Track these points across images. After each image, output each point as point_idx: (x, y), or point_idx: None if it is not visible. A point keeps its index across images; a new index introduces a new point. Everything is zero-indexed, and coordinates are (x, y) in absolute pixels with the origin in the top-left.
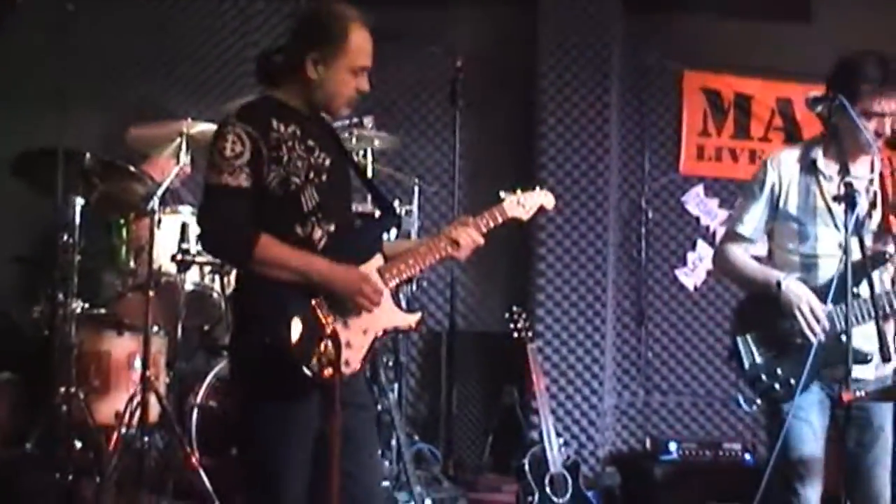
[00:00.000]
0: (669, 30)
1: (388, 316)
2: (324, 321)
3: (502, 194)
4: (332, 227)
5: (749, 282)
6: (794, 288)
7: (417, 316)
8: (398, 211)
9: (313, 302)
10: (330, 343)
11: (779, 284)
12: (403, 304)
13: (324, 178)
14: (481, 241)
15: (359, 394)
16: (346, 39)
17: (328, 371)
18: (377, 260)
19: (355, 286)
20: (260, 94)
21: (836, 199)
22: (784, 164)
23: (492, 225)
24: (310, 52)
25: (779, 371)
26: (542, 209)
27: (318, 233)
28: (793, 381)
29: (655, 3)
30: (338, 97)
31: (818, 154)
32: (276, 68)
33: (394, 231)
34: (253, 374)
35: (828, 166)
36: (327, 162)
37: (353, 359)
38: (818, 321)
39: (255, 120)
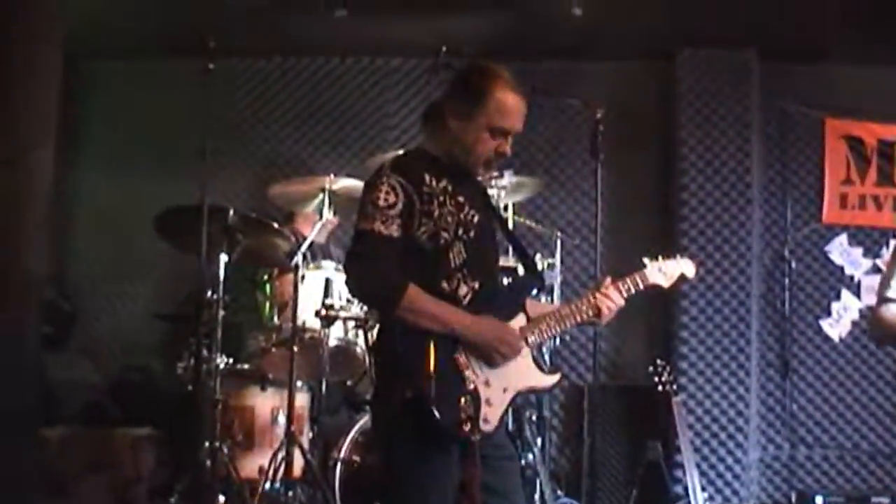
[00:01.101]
0: (809, 77)
1: (528, 375)
2: (466, 377)
3: (645, 260)
4: (477, 285)
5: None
6: None
7: (557, 377)
8: (541, 268)
9: (456, 356)
10: (470, 399)
11: None
12: (546, 357)
13: (472, 234)
14: (622, 304)
15: (500, 446)
16: (486, 96)
17: (466, 427)
18: (520, 319)
19: (497, 334)
20: (413, 148)
21: None
22: None
23: (633, 291)
24: (451, 104)
25: None
26: (683, 277)
27: (463, 289)
28: None
29: (793, 51)
30: (473, 153)
31: None
32: (431, 119)
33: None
34: (393, 427)
35: None
36: (476, 219)
37: (491, 416)
38: None
39: (408, 172)
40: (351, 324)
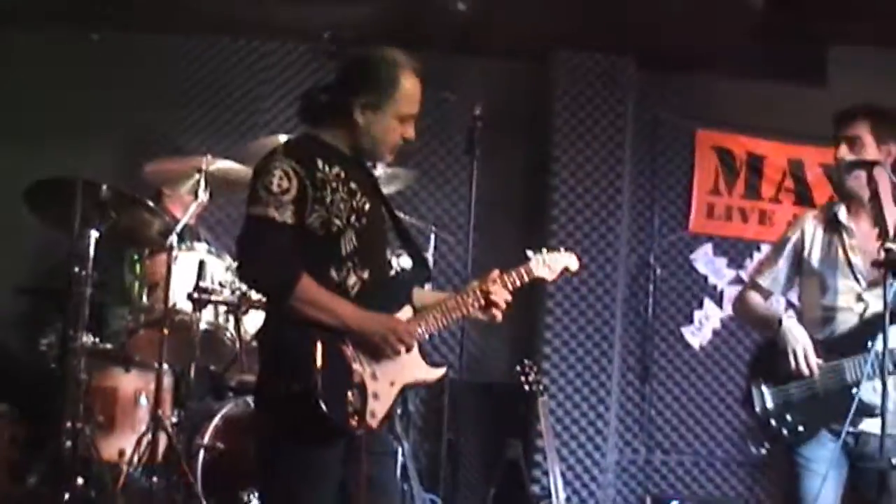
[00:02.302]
0: (684, 88)
1: (415, 369)
2: (353, 370)
3: (529, 253)
4: (366, 275)
5: (758, 321)
6: (793, 329)
7: (443, 370)
8: (428, 262)
9: (343, 348)
10: (357, 393)
11: (780, 322)
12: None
13: (363, 222)
14: (510, 297)
15: (382, 441)
16: (396, 87)
17: (353, 421)
18: (406, 311)
19: (389, 328)
20: (304, 134)
21: (874, 264)
22: (808, 222)
23: (518, 284)
24: (359, 97)
25: (788, 417)
26: (566, 271)
27: (352, 279)
28: (801, 428)
29: (671, 61)
30: (383, 144)
31: (841, 210)
32: (321, 109)
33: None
34: (278, 418)
35: (850, 221)
36: (367, 207)
37: (378, 410)
38: (809, 367)
39: (302, 157)
40: (222, 309)
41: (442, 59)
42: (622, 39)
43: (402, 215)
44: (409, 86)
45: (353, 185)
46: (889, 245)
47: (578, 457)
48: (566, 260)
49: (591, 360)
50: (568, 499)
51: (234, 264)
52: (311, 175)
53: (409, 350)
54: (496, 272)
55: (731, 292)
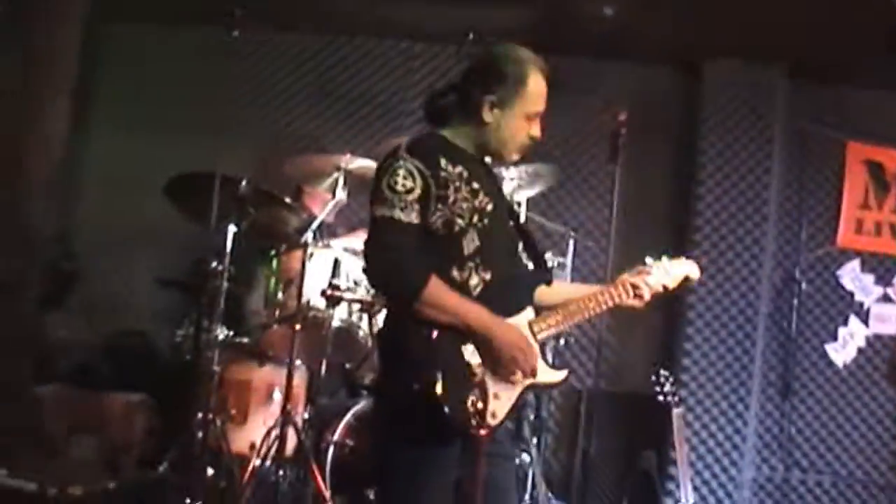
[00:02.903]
0: (835, 99)
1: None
2: (473, 369)
3: (648, 261)
4: (489, 276)
5: None
6: None
7: (564, 373)
8: (551, 264)
9: (463, 348)
10: (478, 393)
11: None
12: (549, 358)
13: (486, 222)
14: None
15: (502, 443)
16: (524, 84)
17: (474, 422)
18: (528, 312)
19: (515, 346)
20: (427, 132)
21: None
22: None
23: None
24: (487, 95)
25: None
26: (687, 279)
27: (474, 279)
28: None
29: (822, 71)
30: (511, 142)
31: None
32: (447, 108)
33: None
34: (398, 418)
35: None
36: (489, 207)
37: (499, 411)
38: None
39: (425, 156)
40: (356, 307)
41: (587, 63)
42: (773, 48)
43: (541, 219)
44: (537, 83)
45: (475, 185)
46: None
47: (714, 472)
48: (687, 268)
49: (731, 374)
50: None
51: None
52: (435, 173)
53: (533, 375)
54: (625, 275)
55: (877, 310)
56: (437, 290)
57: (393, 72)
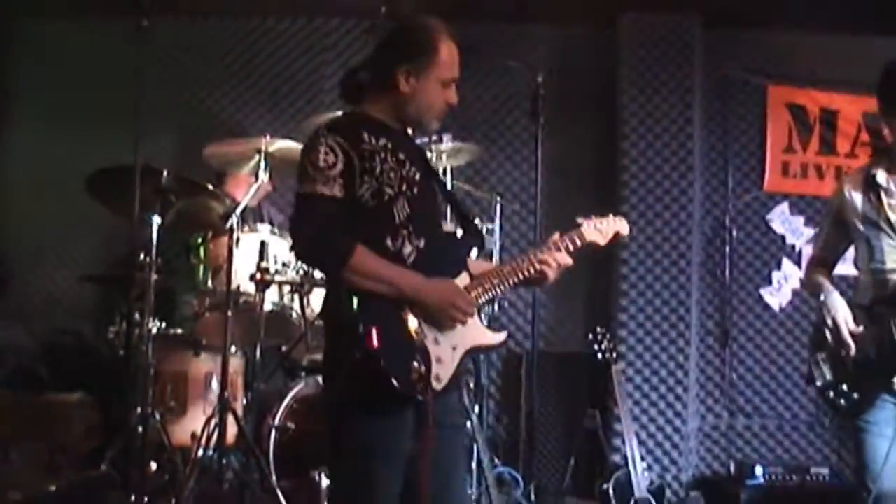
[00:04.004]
0: (752, 44)
1: (476, 333)
2: (415, 335)
3: (579, 219)
4: (422, 243)
5: (814, 295)
6: (830, 301)
7: (504, 335)
8: (481, 230)
9: (402, 314)
10: (420, 358)
11: (820, 297)
12: (484, 323)
13: (415, 191)
14: (570, 261)
15: (453, 414)
16: (436, 51)
17: (419, 387)
18: (463, 278)
19: (449, 298)
20: (347, 111)
21: None
22: (848, 183)
23: (571, 249)
24: (401, 65)
25: (843, 387)
26: (618, 235)
27: (407, 248)
28: (856, 396)
29: (737, 16)
30: (429, 110)
31: (878, 169)
32: (363, 84)
33: (475, 250)
34: (346, 390)
35: (888, 181)
36: (417, 176)
37: (443, 374)
38: (846, 334)
39: (346, 132)
40: (286, 288)
41: (504, 28)
42: None
43: (466, 186)
44: (448, 50)
45: (401, 156)
46: None
47: (659, 424)
48: (617, 224)
49: (669, 326)
50: (650, 467)
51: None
52: (357, 147)
53: (469, 318)
54: (556, 235)
55: (809, 251)
56: (363, 258)
57: (308, 51)
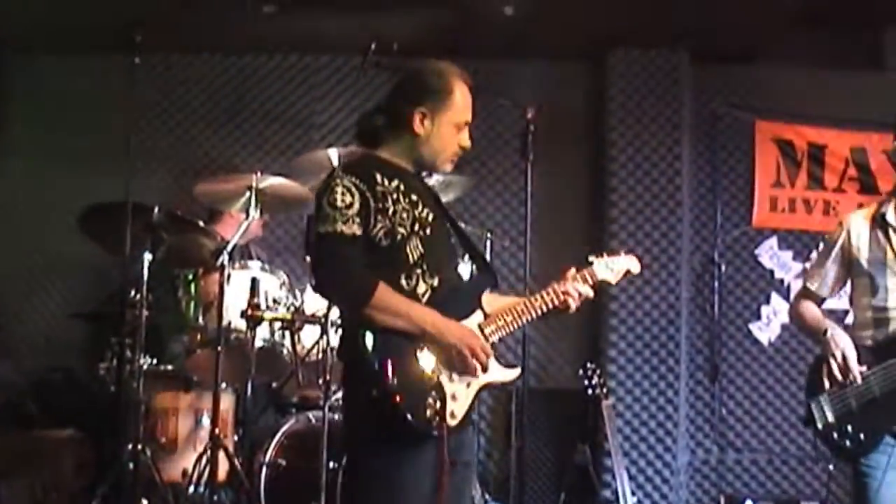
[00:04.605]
0: (740, 79)
1: (491, 370)
2: (429, 372)
3: (591, 258)
4: (436, 282)
5: (807, 330)
6: (835, 337)
7: (517, 371)
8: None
9: (419, 352)
10: (435, 395)
11: (825, 332)
12: None
13: (428, 231)
14: (591, 293)
15: (466, 450)
16: (450, 95)
17: (435, 423)
18: (477, 315)
19: (464, 342)
20: (361, 153)
21: None
22: (854, 221)
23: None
24: (416, 108)
25: (849, 428)
26: (628, 273)
27: (422, 286)
28: (863, 437)
29: (725, 53)
30: (443, 152)
31: (889, 207)
32: (378, 128)
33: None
34: (364, 426)
35: None
36: (430, 217)
37: (458, 411)
38: (848, 372)
39: (361, 173)
40: (277, 325)
41: (493, 64)
42: (674, 34)
43: (460, 223)
44: (462, 93)
45: (414, 197)
46: None
47: (649, 459)
48: (628, 263)
49: (658, 361)
50: (640, 502)
51: (310, 284)
52: (372, 188)
53: (484, 370)
54: (573, 270)
55: (798, 285)
56: (385, 294)
57: (299, 87)
